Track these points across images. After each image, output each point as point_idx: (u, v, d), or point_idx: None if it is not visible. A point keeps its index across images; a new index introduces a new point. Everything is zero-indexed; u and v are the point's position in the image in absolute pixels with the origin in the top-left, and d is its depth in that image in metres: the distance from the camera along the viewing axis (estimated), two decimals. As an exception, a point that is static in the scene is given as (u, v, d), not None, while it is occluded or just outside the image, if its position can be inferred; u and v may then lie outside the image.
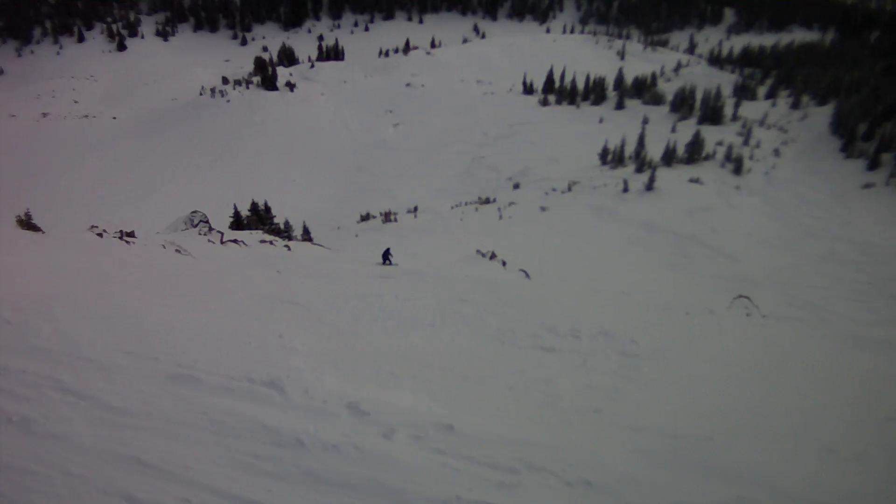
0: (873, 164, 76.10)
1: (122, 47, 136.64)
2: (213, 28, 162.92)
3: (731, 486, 7.20)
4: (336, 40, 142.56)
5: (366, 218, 64.14)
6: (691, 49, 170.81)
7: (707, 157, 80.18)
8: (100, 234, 17.40)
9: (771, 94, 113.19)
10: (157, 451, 5.97)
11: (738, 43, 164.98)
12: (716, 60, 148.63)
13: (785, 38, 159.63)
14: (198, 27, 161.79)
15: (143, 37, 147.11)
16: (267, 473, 5.92)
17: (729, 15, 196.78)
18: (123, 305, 10.37)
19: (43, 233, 19.07)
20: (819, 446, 9.04)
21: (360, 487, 5.89)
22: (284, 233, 41.46)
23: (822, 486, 7.57)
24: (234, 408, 7.03)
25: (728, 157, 78.97)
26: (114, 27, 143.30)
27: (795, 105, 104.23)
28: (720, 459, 7.89)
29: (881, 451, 9.23)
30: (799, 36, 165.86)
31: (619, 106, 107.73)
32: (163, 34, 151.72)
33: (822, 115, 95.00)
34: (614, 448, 8.01)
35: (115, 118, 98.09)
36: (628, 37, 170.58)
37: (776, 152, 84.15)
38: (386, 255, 30.15)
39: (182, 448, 6.10)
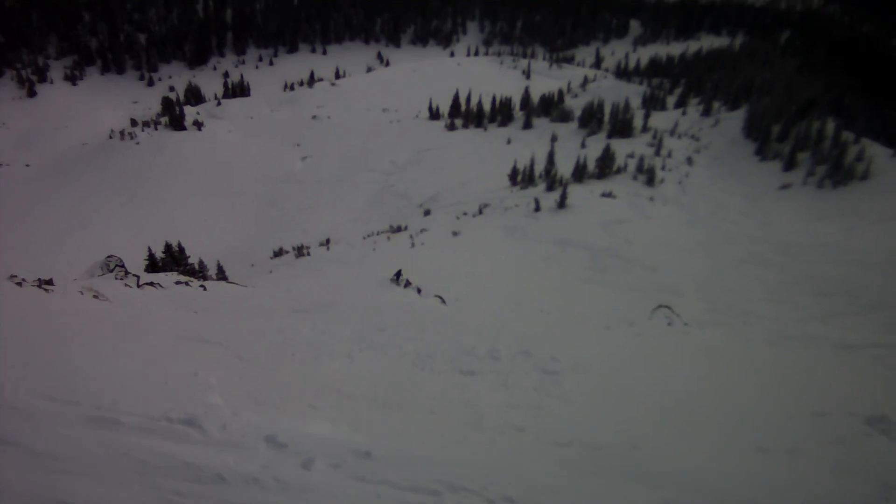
0: (789, 165, 76.58)
1: (32, 93, 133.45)
2: (121, 70, 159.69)
3: (658, 489, 7.44)
4: (241, 76, 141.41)
5: (279, 253, 63.76)
6: (598, 63, 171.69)
7: (619, 171, 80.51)
8: (19, 284, 17.27)
9: (681, 103, 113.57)
10: (82, 493, 6.07)
11: (644, 54, 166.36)
12: (623, 73, 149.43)
13: (693, 46, 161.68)
14: (105, 69, 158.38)
15: (52, 82, 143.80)
16: (191, 509, 6.00)
17: (635, 26, 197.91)
18: (45, 353, 10.41)
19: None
20: (750, 444, 9.34)
21: (282, 518, 6.00)
22: (199, 273, 41.13)
23: (753, 483, 7.86)
24: (155, 446, 7.13)
25: (640, 169, 79.26)
26: (23, 73, 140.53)
27: (706, 112, 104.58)
28: (647, 467, 8.14)
29: (812, 446, 9.55)
30: (707, 42, 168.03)
31: (527, 125, 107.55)
32: (71, 78, 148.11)
33: (734, 120, 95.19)
34: (538, 464, 8.23)
35: (28, 165, 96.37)
36: (533, 55, 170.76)
37: (689, 161, 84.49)
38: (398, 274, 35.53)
39: (107, 489, 6.22)
